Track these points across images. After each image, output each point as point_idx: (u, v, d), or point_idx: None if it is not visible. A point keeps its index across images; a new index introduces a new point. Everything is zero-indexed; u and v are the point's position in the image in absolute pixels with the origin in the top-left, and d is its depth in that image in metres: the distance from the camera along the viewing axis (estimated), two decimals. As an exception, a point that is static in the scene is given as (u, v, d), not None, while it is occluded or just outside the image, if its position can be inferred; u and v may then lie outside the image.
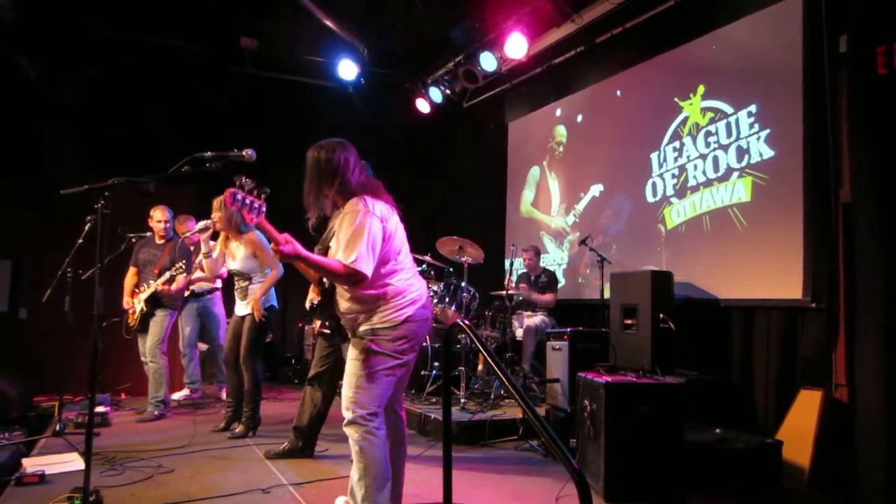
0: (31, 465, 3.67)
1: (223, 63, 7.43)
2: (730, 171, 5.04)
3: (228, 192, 2.41)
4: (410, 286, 2.75)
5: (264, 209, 2.49)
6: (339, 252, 2.56)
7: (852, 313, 3.92)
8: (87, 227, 4.45)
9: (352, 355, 2.72)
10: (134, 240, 5.62)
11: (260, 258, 4.69)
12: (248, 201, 2.45)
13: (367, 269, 2.54)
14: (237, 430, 4.66)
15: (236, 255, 4.77)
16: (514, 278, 6.30)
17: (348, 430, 2.66)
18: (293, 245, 2.47)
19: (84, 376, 6.03)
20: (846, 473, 3.68)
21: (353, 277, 2.54)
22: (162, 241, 5.50)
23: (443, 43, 7.15)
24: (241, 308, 4.76)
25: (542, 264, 6.69)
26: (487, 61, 6.80)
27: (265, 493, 3.35)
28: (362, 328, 2.70)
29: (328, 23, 6.82)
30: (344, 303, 2.75)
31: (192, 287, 5.97)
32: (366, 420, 2.64)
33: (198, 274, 5.82)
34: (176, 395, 6.12)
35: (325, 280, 2.84)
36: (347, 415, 2.66)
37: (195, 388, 6.23)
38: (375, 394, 2.67)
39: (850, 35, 4.11)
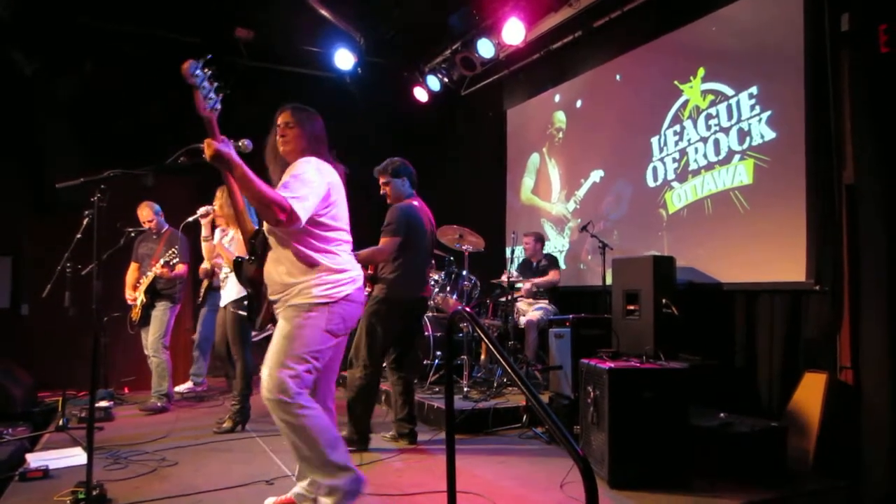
0: (35, 459, 3.67)
1: (219, 54, 7.35)
2: (731, 153, 5.00)
3: (188, 63, 2.25)
4: (351, 263, 2.72)
5: (219, 107, 2.38)
6: (280, 187, 2.50)
7: (856, 295, 3.90)
8: (85, 222, 4.45)
9: (281, 331, 2.57)
10: (133, 234, 5.63)
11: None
12: (205, 86, 2.31)
13: (302, 213, 2.45)
14: (224, 425, 4.57)
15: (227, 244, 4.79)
16: (513, 269, 6.27)
17: (274, 411, 2.51)
18: (230, 148, 2.36)
19: (86, 371, 6.05)
20: (851, 456, 3.67)
21: (282, 209, 2.40)
22: (157, 235, 5.54)
23: (440, 30, 7.08)
24: (224, 298, 4.76)
25: (544, 251, 6.66)
26: (485, 48, 6.74)
27: (269, 484, 3.35)
28: (296, 301, 2.57)
29: (324, 12, 6.76)
30: (280, 271, 2.62)
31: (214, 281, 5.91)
32: (291, 396, 2.48)
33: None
34: (179, 388, 6.13)
35: (254, 241, 2.73)
36: (269, 396, 2.50)
37: (199, 381, 6.23)
38: (300, 375, 2.53)
39: (852, 13, 4.06)
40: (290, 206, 2.41)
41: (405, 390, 4.29)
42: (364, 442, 4.06)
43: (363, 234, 3.72)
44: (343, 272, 2.65)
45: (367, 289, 4.09)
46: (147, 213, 5.55)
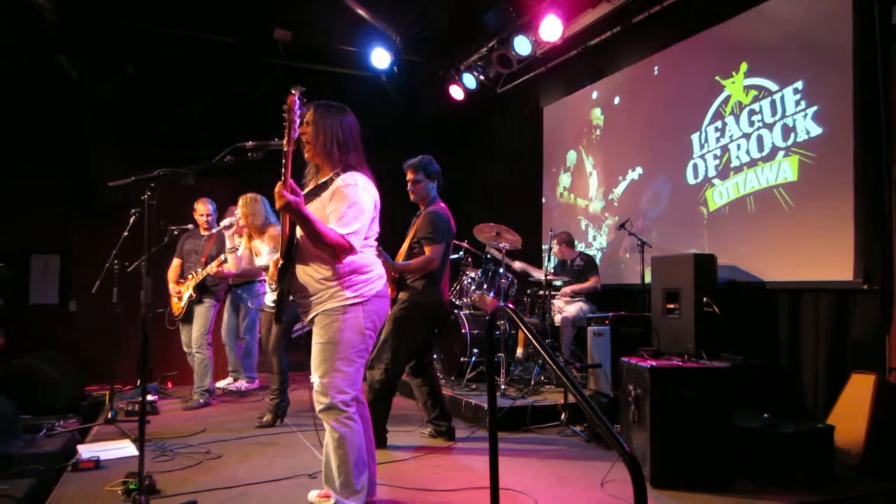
0: (86, 451, 3.80)
1: (258, 55, 7.49)
2: (775, 150, 4.89)
3: (294, 96, 2.48)
4: (375, 260, 2.78)
5: (296, 136, 2.55)
6: (336, 221, 2.55)
7: (907, 294, 3.79)
8: (132, 220, 4.57)
9: (322, 337, 2.61)
10: (176, 232, 5.73)
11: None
12: (298, 117, 2.51)
13: (358, 244, 2.58)
14: (265, 420, 4.66)
15: (261, 252, 4.89)
16: (549, 266, 6.24)
17: (326, 416, 2.61)
18: (300, 198, 2.46)
19: (132, 366, 6.26)
20: (902, 459, 3.58)
21: (342, 249, 2.52)
22: (206, 233, 5.62)
23: (476, 28, 7.07)
24: (269, 299, 4.89)
25: (580, 249, 6.61)
26: (521, 45, 6.70)
27: (311, 477, 3.40)
28: (330, 304, 2.61)
29: (360, 11, 6.82)
30: (310, 271, 2.63)
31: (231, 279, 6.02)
32: (346, 405, 2.60)
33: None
34: (220, 384, 6.24)
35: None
36: (325, 400, 2.59)
37: (239, 376, 6.34)
38: (352, 376, 2.62)
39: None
40: (349, 243, 2.52)
41: (431, 392, 4.30)
42: (381, 441, 4.01)
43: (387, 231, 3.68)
44: (370, 270, 2.71)
45: (391, 293, 4.06)
46: (206, 208, 5.65)
